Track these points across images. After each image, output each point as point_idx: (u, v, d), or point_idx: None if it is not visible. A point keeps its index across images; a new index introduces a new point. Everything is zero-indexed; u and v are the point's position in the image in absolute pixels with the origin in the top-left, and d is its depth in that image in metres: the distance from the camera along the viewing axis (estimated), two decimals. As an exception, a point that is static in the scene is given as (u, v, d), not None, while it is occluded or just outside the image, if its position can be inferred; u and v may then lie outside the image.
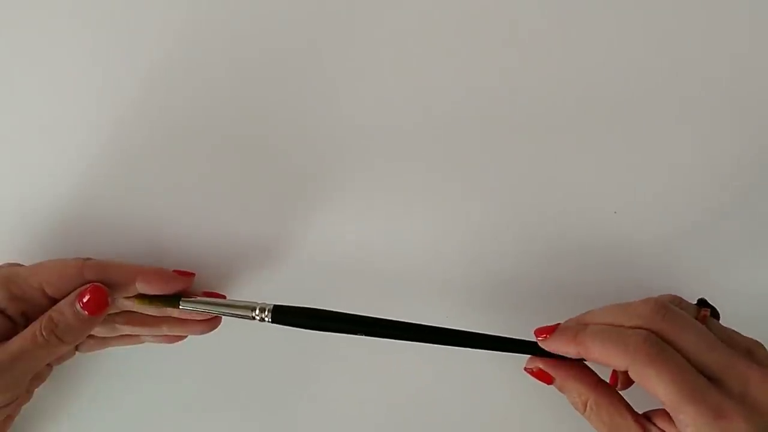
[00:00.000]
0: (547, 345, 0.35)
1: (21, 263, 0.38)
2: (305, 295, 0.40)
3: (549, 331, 0.35)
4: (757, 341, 0.33)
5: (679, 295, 0.35)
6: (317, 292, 0.41)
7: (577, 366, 0.35)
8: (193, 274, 0.39)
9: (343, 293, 0.41)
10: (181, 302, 0.37)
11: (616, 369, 0.32)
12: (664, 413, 0.32)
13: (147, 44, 0.40)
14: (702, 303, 0.35)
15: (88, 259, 0.37)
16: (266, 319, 0.36)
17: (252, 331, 0.36)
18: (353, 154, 0.40)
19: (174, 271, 0.38)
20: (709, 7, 0.39)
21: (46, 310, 0.35)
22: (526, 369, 0.36)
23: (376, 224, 0.41)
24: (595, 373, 0.35)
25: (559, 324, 0.35)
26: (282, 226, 0.41)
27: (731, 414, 0.30)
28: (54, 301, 0.36)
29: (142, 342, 0.40)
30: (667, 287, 0.36)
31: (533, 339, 0.36)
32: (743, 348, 0.33)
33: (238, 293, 0.41)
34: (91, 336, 0.38)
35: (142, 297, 0.37)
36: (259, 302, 0.37)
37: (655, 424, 0.32)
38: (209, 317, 0.39)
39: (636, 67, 0.40)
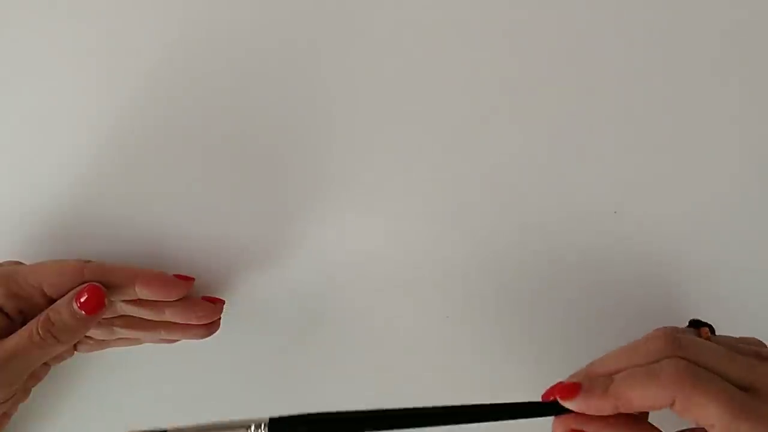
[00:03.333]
0: (578, 406, 0.31)
1: (22, 262, 0.38)
2: (305, 297, 0.40)
3: (570, 391, 0.32)
4: (756, 339, 0.33)
5: (678, 294, 0.35)
6: (317, 294, 0.41)
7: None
8: (192, 279, 0.39)
9: (343, 295, 0.40)
10: None
11: (660, 408, 0.30)
12: None
13: (147, 45, 0.40)
14: (696, 323, 0.35)
15: (89, 261, 0.37)
16: None
17: (251, 331, 0.36)
18: (352, 155, 0.40)
19: (174, 275, 0.38)
20: (707, 8, 0.39)
21: (44, 310, 0.35)
22: None
23: (375, 225, 0.41)
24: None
25: (577, 384, 0.32)
26: (282, 228, 0.41)
27: None
28: (52, 301, 0.36)
29: (141, 343, 0.40)
30: (666, 287, 0.36)
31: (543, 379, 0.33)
32: (751, 352, 0.32)
33: (237, 296, 0.41)
34: (89, 337, 0.38)
35: None
36: (255, 418, 0.33)
37: None
38: (207, 322, 0.39)
39: (636, 66, 0.40)
